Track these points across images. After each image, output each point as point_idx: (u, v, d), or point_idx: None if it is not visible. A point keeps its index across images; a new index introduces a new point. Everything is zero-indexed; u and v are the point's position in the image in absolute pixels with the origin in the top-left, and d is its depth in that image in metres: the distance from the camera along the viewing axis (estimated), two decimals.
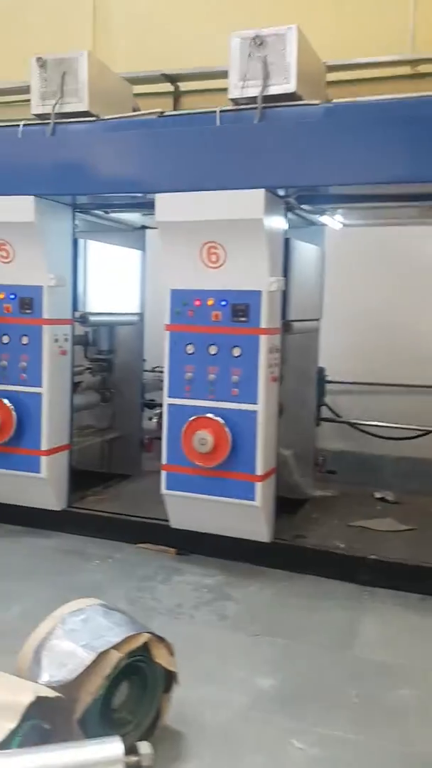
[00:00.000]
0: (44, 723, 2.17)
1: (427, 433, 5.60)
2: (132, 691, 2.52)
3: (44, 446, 4.57)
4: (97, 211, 5.07)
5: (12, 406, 4.55)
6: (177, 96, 6.22)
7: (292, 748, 2.56)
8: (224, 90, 4.65)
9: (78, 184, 4.43)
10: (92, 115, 4.48)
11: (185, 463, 4.15)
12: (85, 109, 4.45)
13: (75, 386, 5.00)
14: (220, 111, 4.11)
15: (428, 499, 5.18)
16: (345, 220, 5.22)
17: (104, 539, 4.54)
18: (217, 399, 4.12)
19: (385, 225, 5.48)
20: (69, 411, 4.83)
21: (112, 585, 3.90)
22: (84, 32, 6.36)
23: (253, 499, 4.04)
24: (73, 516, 4.72)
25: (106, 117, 4.48)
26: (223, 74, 4.33)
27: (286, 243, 4.30)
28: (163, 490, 4.28)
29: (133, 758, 2.09)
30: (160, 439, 5.51)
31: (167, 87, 6.07)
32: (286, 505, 4.53)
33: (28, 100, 5.17)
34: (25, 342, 4.60)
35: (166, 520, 4.33)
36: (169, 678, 2.58)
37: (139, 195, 4.55)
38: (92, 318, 5.06)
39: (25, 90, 6.25)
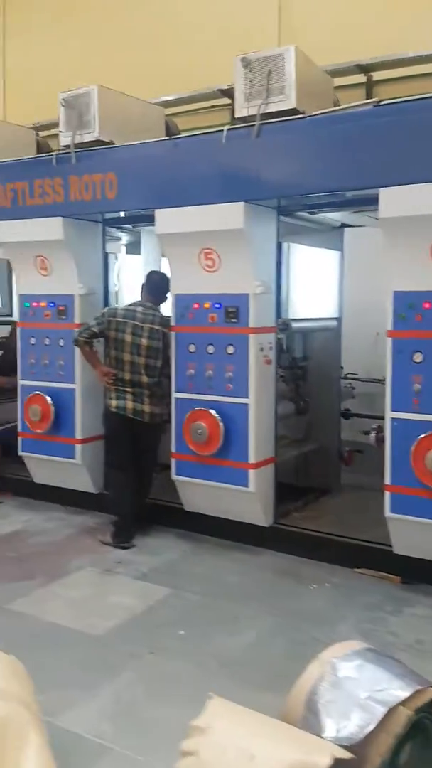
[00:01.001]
0: None
1: None
2: (415, 751, 2.22)
3: (252, 459, 4.41)
4: (301, 213, 4.84)
5: (218, 417, 4.45)
6: (370, 86, 5.91)
7: None
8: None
9: (291, 185, 4.21)
10: (298, 113, 4.27)
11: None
12: (293, 107, 4.24)
13: None
14: None
15: None
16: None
17: (316, 560, 4.28)
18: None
19: None
20: (274, 422, 4.66)
21: (337, 614, 3.63)
22: (268, 30, 6.27)
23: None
24: (281, 533, 4.51)
25: (314, 113, 4.26)
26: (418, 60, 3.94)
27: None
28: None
29: None
30: (361, 452, 5.29)
31: (359, 78, 5.80)
32: None
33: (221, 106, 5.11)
34: (230, 351, 4.47)
35: (389, 545, 3.99)
36: None
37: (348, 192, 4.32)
38: (294, 325, 4.86)
39: (214, 96, 6.38)
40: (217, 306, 4.48)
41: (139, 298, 4.86)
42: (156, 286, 4.82)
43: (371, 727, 2.06)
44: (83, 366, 5.10)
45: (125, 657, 3.22)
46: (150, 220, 5.19)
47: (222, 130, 4.48)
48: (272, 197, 4.33)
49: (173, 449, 4.63)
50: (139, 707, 2.85)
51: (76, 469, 5.21)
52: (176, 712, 2.57)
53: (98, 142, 5.08)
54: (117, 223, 5.40)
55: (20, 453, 5.47)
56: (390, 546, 3.98)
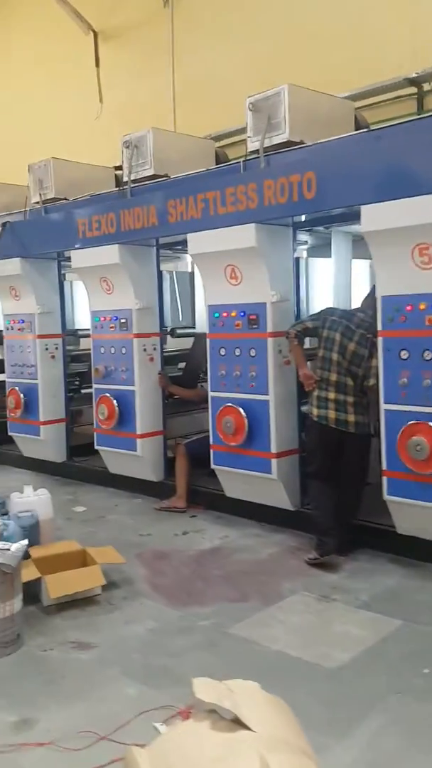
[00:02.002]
0: None
1: None
2: None
3: None
4: None
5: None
6: None
7: None
8: None
9: None
10: None
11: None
12: None
13: None
14: None
15: None
16: None
17: None
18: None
19: None
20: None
21: None
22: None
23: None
24: None
25: None
26: None
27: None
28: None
29: None
30: None
31: None
32: None
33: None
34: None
35: None
36: None
37: None
38: None
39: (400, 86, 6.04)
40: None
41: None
42: None
43: None
44: (277, 376, 4.91)
45: (369, 696, 2.92)
46: (343, 219, 4.97)
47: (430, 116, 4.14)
48: None
49: (384, 466, 4.28)
50: (399, 757, 2.53)
51: (271, 485, 5.00)
52: None
53: (288, 143, 4.90)
54: (307, 225, 5.17)
55: (212, 466, 5.37)
56: None
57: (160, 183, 5.75)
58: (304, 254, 6.14)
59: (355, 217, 4.46)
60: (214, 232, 4.99)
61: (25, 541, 3.59)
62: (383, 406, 4.24)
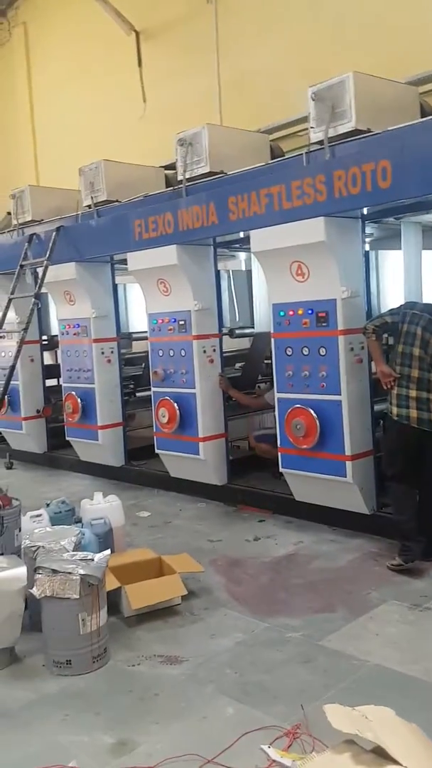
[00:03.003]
0: None
1: None
2: None
3: None
4: None
5: None
6: None
7: None
8: None
9: None
10: None
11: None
12: None
13: None
14: None
15: None
16: None
17: None
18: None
19: None
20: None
21: None
22: None
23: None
24: None
25: None
26: None
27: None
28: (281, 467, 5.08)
29: None
30: None
31: None
32: None
33: None
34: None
35: None
36: None
37: None
38: None
39: None
40: None
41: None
42: None
43: None
44: (350, 375, 4.73)
45: None
46: (415, 209, 4.78)
47: None
48: None
49: None
50: None
51: (345, 488, 4.82)
52: None
53: (355, 132, 4.71)
54: (377, 216, 4.97)
55: (281, 469, 5.21)
56: None
57: (218, 180, 5.60)
58: (367, 246, 5.92)
59: (428, 207, 4.26)
60: (280, 228, 4.83)
61: (108, 552, 3.48)
62: None
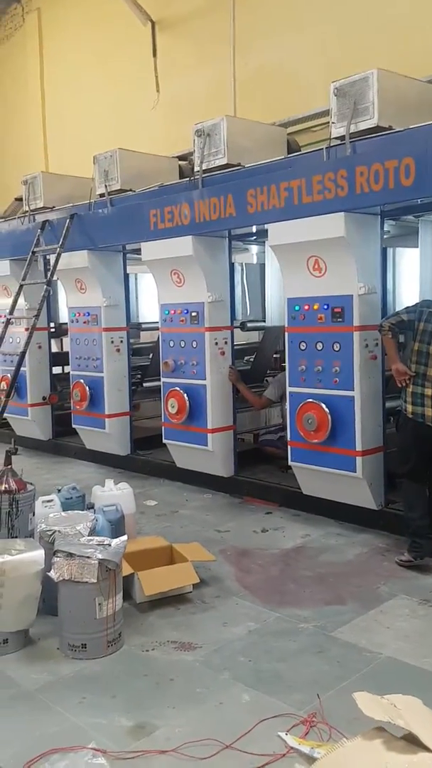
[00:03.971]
0: None
1: None
2: None
3: None
4: None
5: None
6: None
7: None
8: None
9: None
10: None
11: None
12: None
13: None
14: None
15: None
16: None
17: None
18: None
19: None
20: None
21: None
22: None
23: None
24: None
25: None
26: None
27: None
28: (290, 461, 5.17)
29: None
30: None
31: None
32: None
33: None
34: None
35: None
36: None
37: None
38: None
39: None
40: None
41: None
42: None
43: None
44: (363, 372, 4.75)
45: None
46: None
47: None
48: None
49: None
50: None
51: (355, 483, 4.85)
52: None
53: (377, 129, 4.72)
54: (396, 213, 4.99)
55: (290, 463, 5.24)
56: None
57: (236, 172, 5.60)
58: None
59: None
60: (298, 222, 4.84)
61: (125, 537, 3.50)
62: None
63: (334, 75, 4.96)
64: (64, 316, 7.86)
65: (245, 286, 6.92)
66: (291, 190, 4.90)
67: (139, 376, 7.53)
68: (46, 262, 7.33)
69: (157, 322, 6.40)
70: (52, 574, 3.22)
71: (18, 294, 7.02)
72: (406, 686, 2.86)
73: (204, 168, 5.81)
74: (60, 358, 8.03)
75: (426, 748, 1.73)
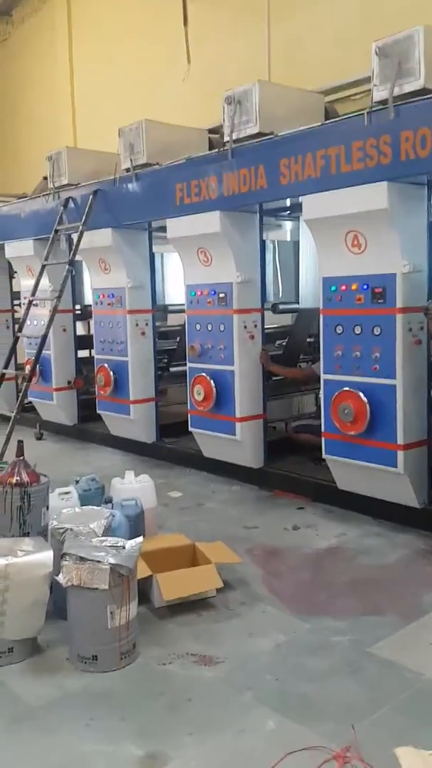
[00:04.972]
0: None
1: None
2: None
3: None
4: None
5: None
6: None
7: None
8: None
9: None
10: None
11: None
12: None
13: None
14: None
15: None
16: None
17: None
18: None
19: None
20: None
21: None
22: None
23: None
24: None
25: None
26: None
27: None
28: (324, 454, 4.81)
29: None
30: None
31: None
32: None
33: None
34: None
35: None
36: None
37: None
38: None
39: None
40: None
41: None
42: None
43: None
44: (406, 358, 4.36)
45: None
46: None
47: None
48: None
49: None
50: None
51: (395, 479, 4.47)
52: None
53: (424, 90, 4.28)
54: None
55: (324, 456, 4.88)
56: None
57: (269, 141, 5.20)
58: None
59: None
60: (336, 194, 4.45)
61: (140, 539, 3.19)
62: None
63: (372, 40, 4.52)
64: (89, 297, 7.59)
65: (277, 266, 6.53)
66: (328, 158, 4.49)
67: (165, 360, 7.23)
68: (70, 242, 7.04)
69: (184, 304, 6.08)
70: (61, 578, 2.94)
71: (40, 274, 6.75)
72: None
73: (234, 138, 5.42)
74: (86, 342, 7.77)
75: None
